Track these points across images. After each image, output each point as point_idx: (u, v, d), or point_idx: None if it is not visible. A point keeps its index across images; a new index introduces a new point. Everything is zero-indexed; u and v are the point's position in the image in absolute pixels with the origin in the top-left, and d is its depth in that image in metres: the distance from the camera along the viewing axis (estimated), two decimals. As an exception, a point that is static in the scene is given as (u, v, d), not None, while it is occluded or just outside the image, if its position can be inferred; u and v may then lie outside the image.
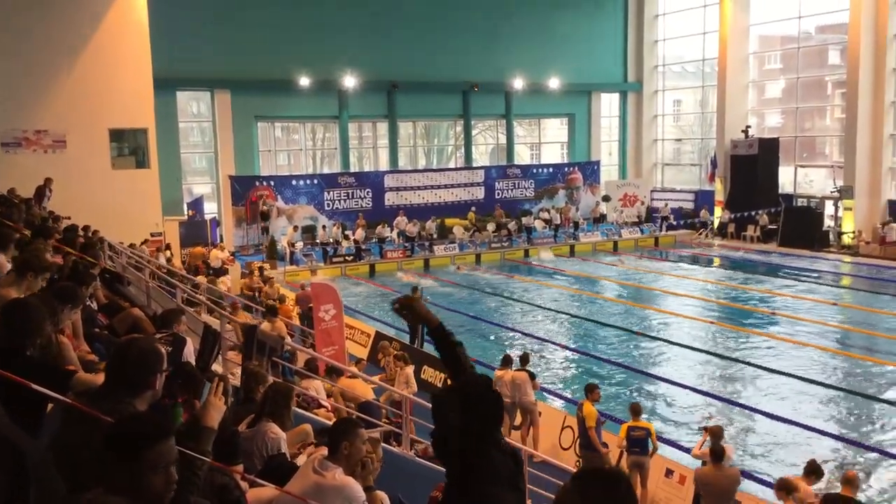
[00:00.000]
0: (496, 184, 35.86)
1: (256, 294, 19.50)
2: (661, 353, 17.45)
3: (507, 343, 18.05)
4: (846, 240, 30.16)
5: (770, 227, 32.16)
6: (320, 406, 8.83)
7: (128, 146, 25.38)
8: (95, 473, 2.49)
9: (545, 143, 41.19)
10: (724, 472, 8.40)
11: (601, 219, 35.67)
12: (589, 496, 1.97)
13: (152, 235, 24.12)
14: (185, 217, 29.01)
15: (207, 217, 30.35)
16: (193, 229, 27.85)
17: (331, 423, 5.98)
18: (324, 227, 30.31)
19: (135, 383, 3.18)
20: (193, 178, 33.06)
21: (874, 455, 11.53)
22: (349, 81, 32.52)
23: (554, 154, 40.91)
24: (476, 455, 2.84)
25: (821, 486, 9.05)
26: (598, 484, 2.01)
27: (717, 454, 8.39)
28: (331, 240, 29.54)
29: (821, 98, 34.88)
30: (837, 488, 8.33)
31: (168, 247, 24.29)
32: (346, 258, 28.70)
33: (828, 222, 32.03)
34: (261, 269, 22.57)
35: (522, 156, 40.09)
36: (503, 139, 38.35)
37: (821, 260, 28.91)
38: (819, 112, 35.29)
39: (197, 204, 30.68)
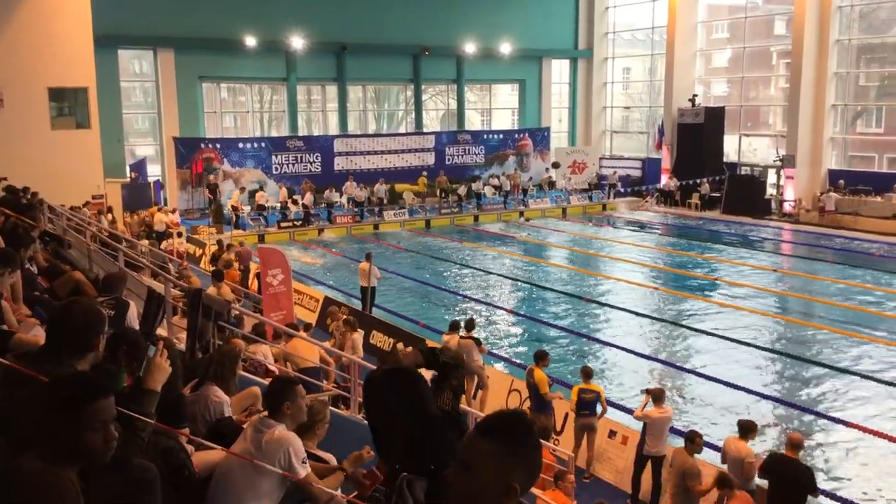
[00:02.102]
0: (446, 149, 35.78)
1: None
2: (606, 317, 17.75)
3: (455, 309, 18.14)
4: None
5: (713, 194, 32.78)
6: (268, 371, 8.78)
7: (68, 106, 24.55)
8: (34, 435, 2.44)
9: (496, 109, 41.16)
10: (662, 412, 9.51)
11: (551, 185, 35.93)
12: (497, 440, 1.92)
13: (94, 198, 23.49)
14: (128, 179, 28.35)
15: (151, 179, 29.71)
16: (136, 192, 27.25)
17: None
18: (261, 187, 29.82)
19: (76, 345, 3.12)
20: (136, 139, 32.25)
21: (812, 417, 11.94)
22: (297, 42, 31.94)
23: (504, 120, 40.93)
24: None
25: (764, 446, 9.39)
26: (506, 426, 1.96)
27: (657, 397, 9.62)
28: (277, 204, 29.20)
29: (766, 68, 35.46)
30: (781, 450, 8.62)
31: (110, 209, 23.73)
32: (295, 223, 28.43)
33: (770, 191, 32.77)
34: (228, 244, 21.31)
35: (473, 122, 40.01)
36: (454, 104, 38.19)
37: (762, 227, 29.62)
38: (764, 82, 35.90)
39: (140, 166, 29.98)
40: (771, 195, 32.48)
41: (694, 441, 8.54)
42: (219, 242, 20.58)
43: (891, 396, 12.66)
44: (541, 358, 10.71)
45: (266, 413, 4.19)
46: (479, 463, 1.91)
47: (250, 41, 30.95)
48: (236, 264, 17.57)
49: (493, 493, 1.90)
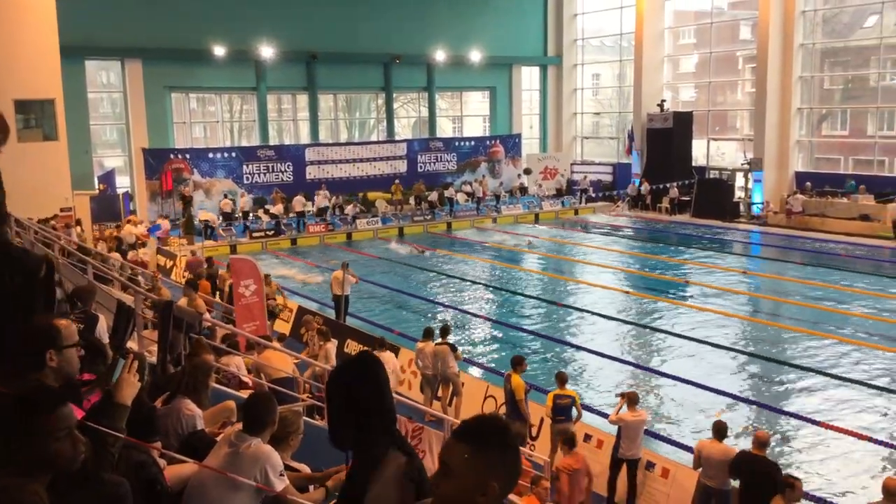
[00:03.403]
0: (419, 157, 35.82)
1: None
2: (580, 322, 17.85)
3: (429, 315, 18.14)
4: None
5: (683, 198, 33.12)
6: (241, 382, 8.72)
7: (34, 118, 24.24)
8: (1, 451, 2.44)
9: (467, 116, 41.29)
10: (637, 415, 9.54)
11: (523, 191, 36.10)
12: (476, 445, 1.96)
13: (62, 210, 23.21)
14: (97, 191, 28.02)
15: (120, 191, 29.40)
16: (105, 204, 26.96)
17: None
18: (225, 195, 29.62)
19: (21, 364, 3.13)
20: (104, 150, 31.90)
21: (781, 416, 12.09)
22: (266, 52, 31.82)
23: (476, 127, 41.07)
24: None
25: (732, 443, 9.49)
26: (483, 430, 2.00)
27: (632, 399, 9.67)
28: (238, 213, 29.07)
29: (732, 73, 35.95)
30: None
31: (79, 222, 23.45)
32: (267, 233, 28.28)
33: (738, 194, 33.19)
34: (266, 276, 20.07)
35: (444, 129, 40.11)
36: (425, 112, 38.25)
37: (731, 230, 29.98)
38: (731, 86, 36.39)
39: (108, 178, 29.65)
40: (739, 198, 32.89)
41: (794, 487, 7.30)
42: (208, 260, 19.61)
43: (855, 394, 12.85)
44: (518, 363, 10.73)
45: (241, 426, 4.17)
46: (457, 467, 1.95)
47: (219, 51, 30.78)
48: (185, 274, 17.32)
49: (473, 494, 1.94)
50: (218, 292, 16.59)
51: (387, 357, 11.83)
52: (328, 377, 3.22)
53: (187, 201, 28.51)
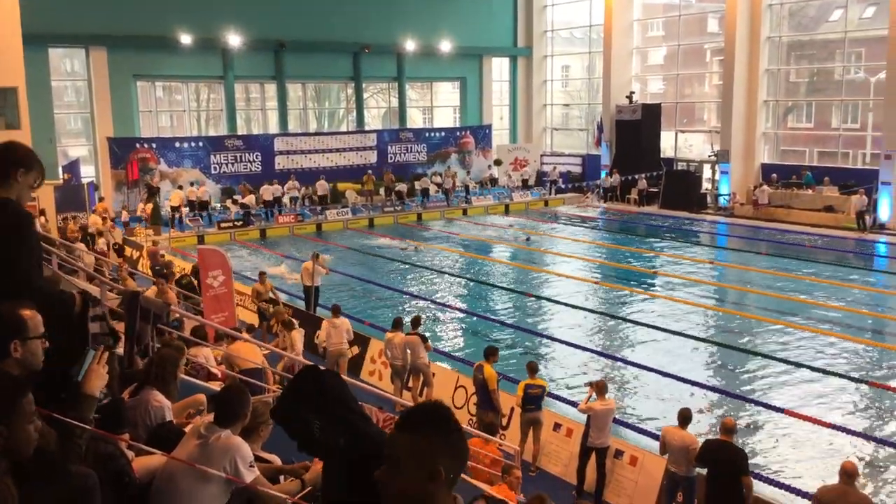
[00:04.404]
0: (389, 147, 35.70)
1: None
2: (549, 312, 17.96)
3: (401, 307, 18.13)
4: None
5: (651, 190, 33.39)
6: (210, 374, 8.64)
7: (-5, 106, 23.77)
8: None
9: (437, 106, 41.22)
10: (605, 404, 9.62)
11: (493, 182, 36.16)
12: (418, 433, 1.96)
13: (25, 201, 22.77)
14: (61, 181, 27.51)
15: (85, 181, 28.91)
16: (69, 194, 26.47)
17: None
18: (180, 187, 29.27)
19: None
20: (68, 140, 31.37)
21: (747, 403, 12.29)
22: (234, 40, 31.47)
23: (446, 118, 41.02)
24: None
25: (699, 432, 9.62)
26: (423, 418, 2.00)
27: (601, 389, 9.68)
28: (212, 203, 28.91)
29: (700, 65, 36.26)
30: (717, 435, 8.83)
31: (43, 212, 23.02)
32: (235, 223, 28.03)
33: (706, 185, 33.54)
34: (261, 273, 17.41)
35: (415, 119, 40.00)
36: (395, 102, 38.11)
37: (699, 221, 30.31)
38: (698, 79, 36.71)
39: (73, 167, 29.13)
40: (706, 190, 33.24)
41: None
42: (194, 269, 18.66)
43: (818, 382, 13.09)
44: (491, 354, 10.75)
45: (211, 418, 4.13)
46: (402, 457, 1.95)
47: (185, 39, 30.38)
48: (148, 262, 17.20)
49: (419, 482, 1.93)
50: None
51: (340, 323, 13.02)
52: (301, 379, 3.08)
53: (153, 192, 28.15)
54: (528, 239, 27.20)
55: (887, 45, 26.89)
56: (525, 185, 36.07)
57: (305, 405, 2.67)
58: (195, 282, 14.79)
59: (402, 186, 32.58)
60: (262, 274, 16.50)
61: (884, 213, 27.05)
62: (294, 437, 2.73)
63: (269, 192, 29.48)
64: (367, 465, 2.14)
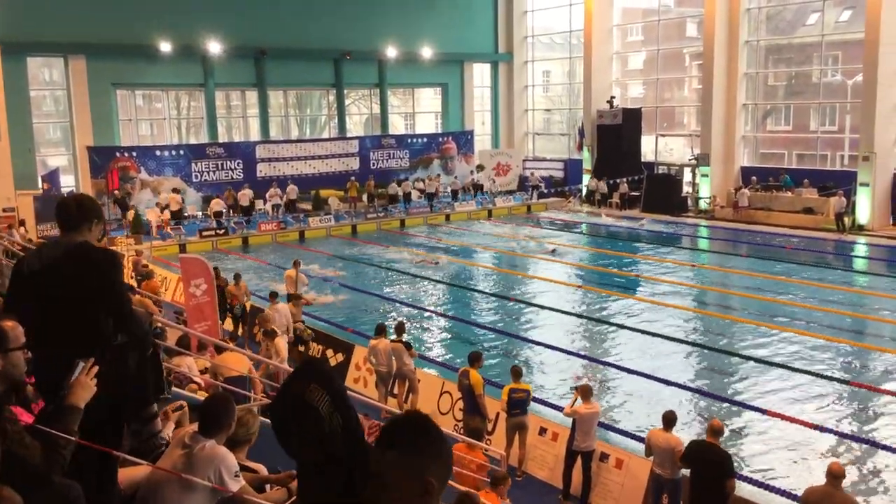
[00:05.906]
0: (371, 154, 35.68)
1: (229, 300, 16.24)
2: (534, 317, 17.99)
3: (384, 313, 18.09)
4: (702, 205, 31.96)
5: (633, 194, 33.57)
6: (193, 383, 8.59)
7: (-27, 116, 23.58)
8: None
9: (419, 112, 41.26)
10: (590, 408, 9.62)
11: (477, 188, 36.21)
12: (404, 448, 1.93)
13: (4, 211, 22.62)
14: (40, 191, 27.32)
15: (64, 190, 28.67)
16: (50, 203, 26.24)
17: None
18: (157, 204, 29.10)
19: None
20: (48, 149, 31.11)
21: (731, 406, 12.36)
22: (214, 47, 31.37)
23: (428, 124, 41.06)
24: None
25: (685, 435, 9.66)
26: (405, 432, 1.97)
27: (585, 392, 9.73)
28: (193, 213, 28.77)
29: (679, 69, 36.53)
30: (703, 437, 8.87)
31: (23, 222, 22.87)
32: (217, 231, 27.89)
33: (686, 189, 33.77)
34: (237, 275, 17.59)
35: (397, 126, 40.02)
36: (377, 109, 38.09)
37: (680, 224, 30.50)
38: (678, 83, 36.98)
39: (52, 177, 28.88)
40: (687, 193, 33.46)
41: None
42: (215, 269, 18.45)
43: (801, 383, 13.18)
44: (476, 359, 10.75)
45: (196, 428, 4.11)
46: (391, 475, 1.91)
47: (165, 47, 30.24)
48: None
49: (414, 497, 1.91)
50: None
51: (281, 308, 13.96)
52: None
53: (121, 201, 27.98)
54: (553, 251, 25.47)
55: (863, 48, 27.22)
56: (502, 189, 36.25)
57: (334, 399, 2.44)
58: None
59: (381, 191, 32.68)
60: (237, 276, 16.54)
61: (862, 215, 27.34)
62: (294, 435, 2.45)
63: (245, 197, 29.41)
64: (364, 475, 2.09)
